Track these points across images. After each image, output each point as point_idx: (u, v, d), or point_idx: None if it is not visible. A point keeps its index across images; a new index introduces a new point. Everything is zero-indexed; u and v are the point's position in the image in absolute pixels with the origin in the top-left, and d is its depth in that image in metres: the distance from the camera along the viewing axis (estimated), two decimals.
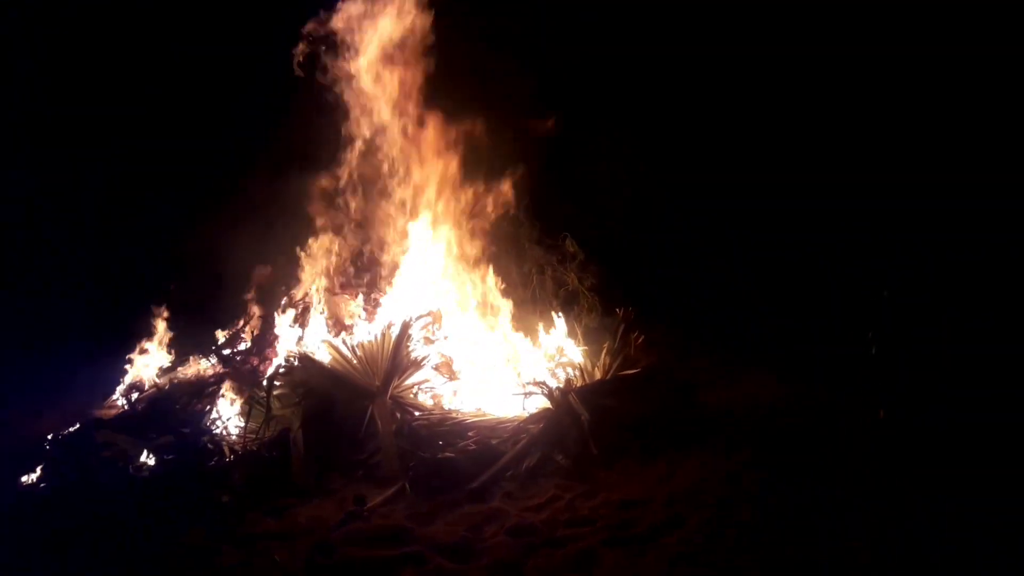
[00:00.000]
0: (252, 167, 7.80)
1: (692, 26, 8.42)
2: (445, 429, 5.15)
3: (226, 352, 6.05)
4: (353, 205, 6.65)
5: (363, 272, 6.75)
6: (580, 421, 5.11)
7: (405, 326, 5.55)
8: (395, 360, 5.37)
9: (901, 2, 8.00)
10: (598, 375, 5.75)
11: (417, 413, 5.29)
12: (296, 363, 5.58)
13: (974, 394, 5.25)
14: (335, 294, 6.39)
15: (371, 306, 6.51)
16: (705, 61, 8.49)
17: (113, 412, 6.16)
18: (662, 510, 4.18)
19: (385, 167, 6.67)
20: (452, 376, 5.70)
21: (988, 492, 4.01)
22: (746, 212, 8.31)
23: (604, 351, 5.90)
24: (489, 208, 6.95)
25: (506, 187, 7.04)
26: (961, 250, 7.09)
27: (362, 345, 5.52)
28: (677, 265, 8.31)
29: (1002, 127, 7.65)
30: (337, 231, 6.77)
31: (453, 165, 6.72)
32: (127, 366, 6.69)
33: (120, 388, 6.57)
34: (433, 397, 5.58)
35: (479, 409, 5.56)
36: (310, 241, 6.71)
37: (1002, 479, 4.12)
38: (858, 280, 7.22)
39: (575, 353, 6.21)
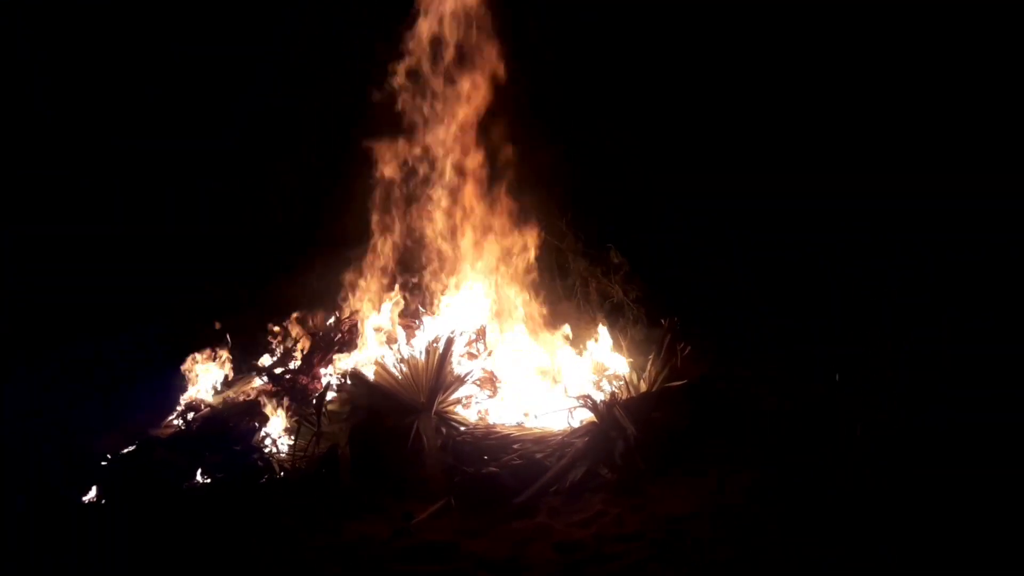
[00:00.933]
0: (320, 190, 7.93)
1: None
2: (489, 444, 5.16)
3: (276, 371, 6.16)
4: (399, 226, 6.73)
5: (412, 287, 6.80)
6: (626, 435, 5.07)
7: (449, 342, 5.59)
8: (439, 376, 5.41)
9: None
10: (643, 387, 5.71)
11: (462, 428, 5.32)
12: (344, 381, 5.66)
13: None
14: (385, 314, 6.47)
15: (417, 322, 6.57)
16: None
17: (169, 432, 6.32)
18: (710, 525, 4.12)
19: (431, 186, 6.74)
20: (494, 391, 5.71)
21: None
22: (780, 215, 8.20)
23: (649, 363, 5.85)
24: (533, 223, 6.97)
25: (549, 200, 7.06)
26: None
27: (407, 361, 5.57)
28: (724, 274, 8.19)
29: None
30: (387, 250, 6.84)
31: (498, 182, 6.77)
32: (185, 386, 6.86)
33: (177, 409, 6.73)
34: (478, 412, 5.60)
35: (523, 424, 5.56)
36: (362, 260, 6.80)
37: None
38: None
39: (620, 366, 6.17)
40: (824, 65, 8.24)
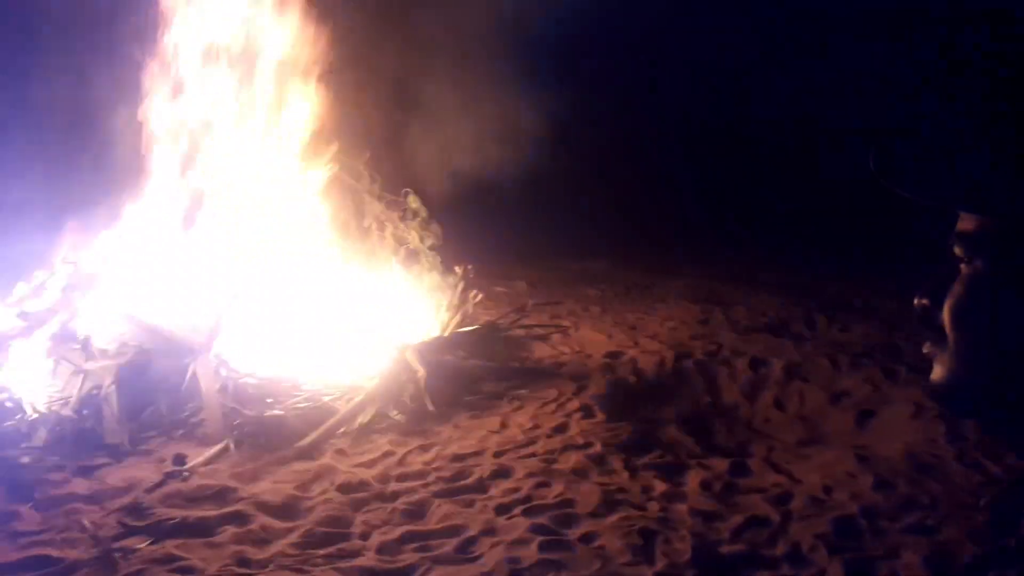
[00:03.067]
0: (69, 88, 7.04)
1: None
2: (275, 387, 4.99)
3: (29, 303, 5.51)
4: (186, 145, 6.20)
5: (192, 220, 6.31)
6: (416, 377, 5.10)
7: (232, 284, 5.29)
8: (221, 317, 5.11)
9: None
10: (436, 333, 5.76)
11: (244, 371, 5.08)
12: (111, 317, 5.20)
13: None
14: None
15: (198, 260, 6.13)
16: None
17: None
18: (492, 462, 4.27)
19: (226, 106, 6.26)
20: (278, 335, 5.50)
21: None
22: None
23: (443, 308, 5.91)
24: (328, 159, 6.72)
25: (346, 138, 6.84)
26: None
27: (185, 303, 5.23)
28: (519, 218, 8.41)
29: None
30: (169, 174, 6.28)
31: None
32: None
33: None
34: (259, 354, 5.38)
35: (312, 368, 5.42)
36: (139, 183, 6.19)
37: None
38: None
39: (414, 311, 6.18)
40: None
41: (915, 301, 1.21)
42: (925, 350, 1.21)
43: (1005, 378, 1.14)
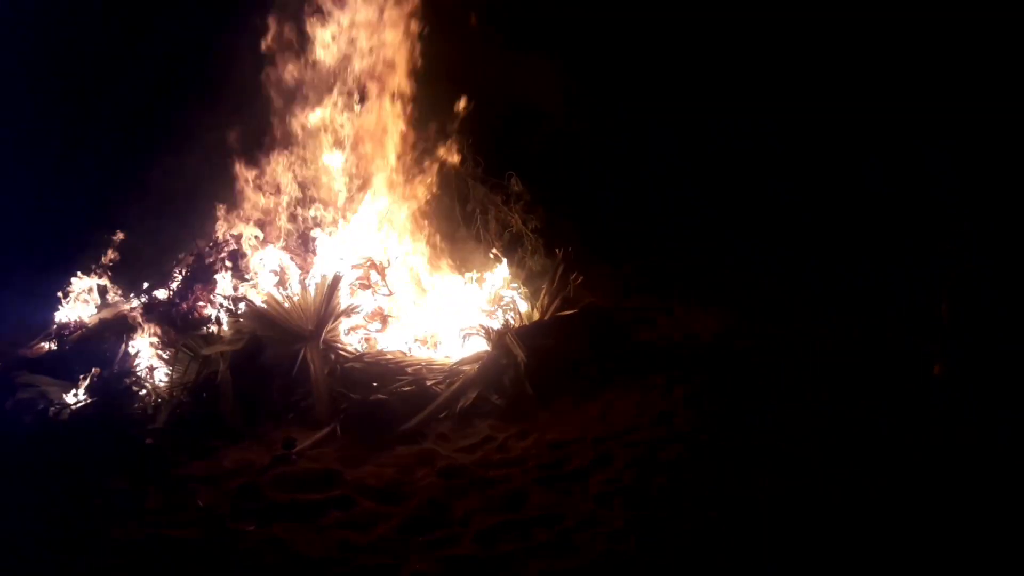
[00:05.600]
0: (200, 105, 7.40)
1: None
2: (379, 371, 5.08)
3: (155, 293, 5.85)
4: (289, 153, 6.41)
5: (302, 218, 6.52)
6: (517, 361, 5.08)
7: (337, 277, 5.41)
8: (329, 304, 5.24)
9: None
10: (536, 316, 5.71)
11: (351, 356, 5.20)
12: (231, 308, 5.44)
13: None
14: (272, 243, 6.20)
15: (310, 253, 6.33)
16: None
17: (40, 352, 5.96)
18: (592, 449, 4.19)
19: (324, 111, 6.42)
20: (384, 324, 5.59)
21: None
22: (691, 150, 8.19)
23: (543, 292, 5.85)
24: (434, 148, 6.78)
25: (451, 125, 6.87)
26: None
27: (297, 292, 5.40)
28: (619, 205, 8.22)
29: None
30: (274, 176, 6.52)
31: (398, 106, 6.50)
32: (59, 305, 6.46)
33: (50, 329, 6.34)
34: (366, 339, 5.49)
35: (415, 352, 5.49)
36: (247, 188, 6.45)
37: None
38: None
39: (516, 295, 6.15)
40: None
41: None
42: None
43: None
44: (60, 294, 6.37)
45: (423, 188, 6.72)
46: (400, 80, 6.48)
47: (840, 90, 7.55)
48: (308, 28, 6.33)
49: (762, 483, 3.80)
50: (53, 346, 6.00)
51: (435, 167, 6.79)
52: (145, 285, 5.99)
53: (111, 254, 6.51)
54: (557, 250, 5.98)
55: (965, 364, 3.89)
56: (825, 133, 7.72)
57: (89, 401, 4.71)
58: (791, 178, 7.86)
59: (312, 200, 6.52)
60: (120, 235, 6.62)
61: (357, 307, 5.57)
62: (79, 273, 6.49)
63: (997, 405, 3.91)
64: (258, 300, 5.39)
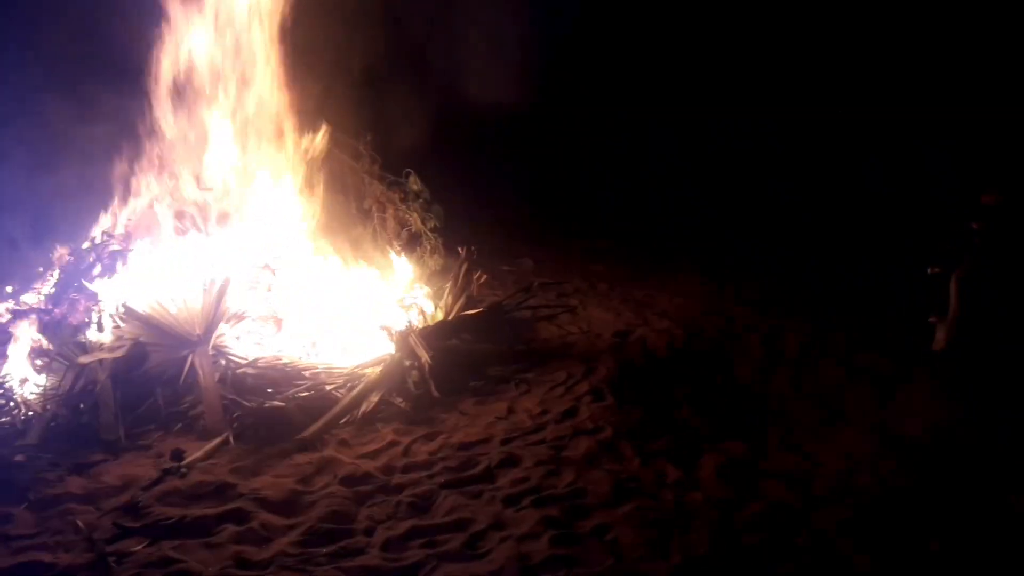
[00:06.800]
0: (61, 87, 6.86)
1: None
2: (275, 376, 4.84)
3: (23, 298, 5.38)
4: (169, 135, 6.02)
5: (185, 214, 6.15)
6: (421, 363, 4.96)
7: (227, 277, 5.13)
8: (218, 308, 4.95)
9: None
10: (440, 316, 5.61)
11: (243, 361, 4.93)
12: (111, 313, 5.06)
13: None
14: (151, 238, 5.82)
15: (197, 254, 5.97)
16: None
17: None
18: (500, 450, 4.13)
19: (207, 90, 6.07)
20: (279, 326, 5.34)
21: None
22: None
23: (447, 291, 5.75)
24: (327, 141, 6.54)
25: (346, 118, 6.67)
26: None
27: (183, 295, 5.08)
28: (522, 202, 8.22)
29: None
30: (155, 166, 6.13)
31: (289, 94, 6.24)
32: None
33: None
34: (259, 345, 5.23)
35: (314, 357, 5.27)
36: (127, 178, 6.03)
37: None
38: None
39: (417, 295, 6.02)
40: None
41: (928, 270, 1.21)
42: (931, 319, 1.20)
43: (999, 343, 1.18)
44: None
45: (317, 182, 6.48)
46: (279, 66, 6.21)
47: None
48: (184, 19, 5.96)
49: (671, 474, 3.85)
50: None
51: (324, 159, 6.54)
52: (9, 289, 5.50)
53: None
54: (460, 249, 5.88)
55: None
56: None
57: None
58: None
59: (199, 198, 6.17)
60: None
61: (248, 310, 5.30)
62: None
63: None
64: (141, 304, 5.04)
